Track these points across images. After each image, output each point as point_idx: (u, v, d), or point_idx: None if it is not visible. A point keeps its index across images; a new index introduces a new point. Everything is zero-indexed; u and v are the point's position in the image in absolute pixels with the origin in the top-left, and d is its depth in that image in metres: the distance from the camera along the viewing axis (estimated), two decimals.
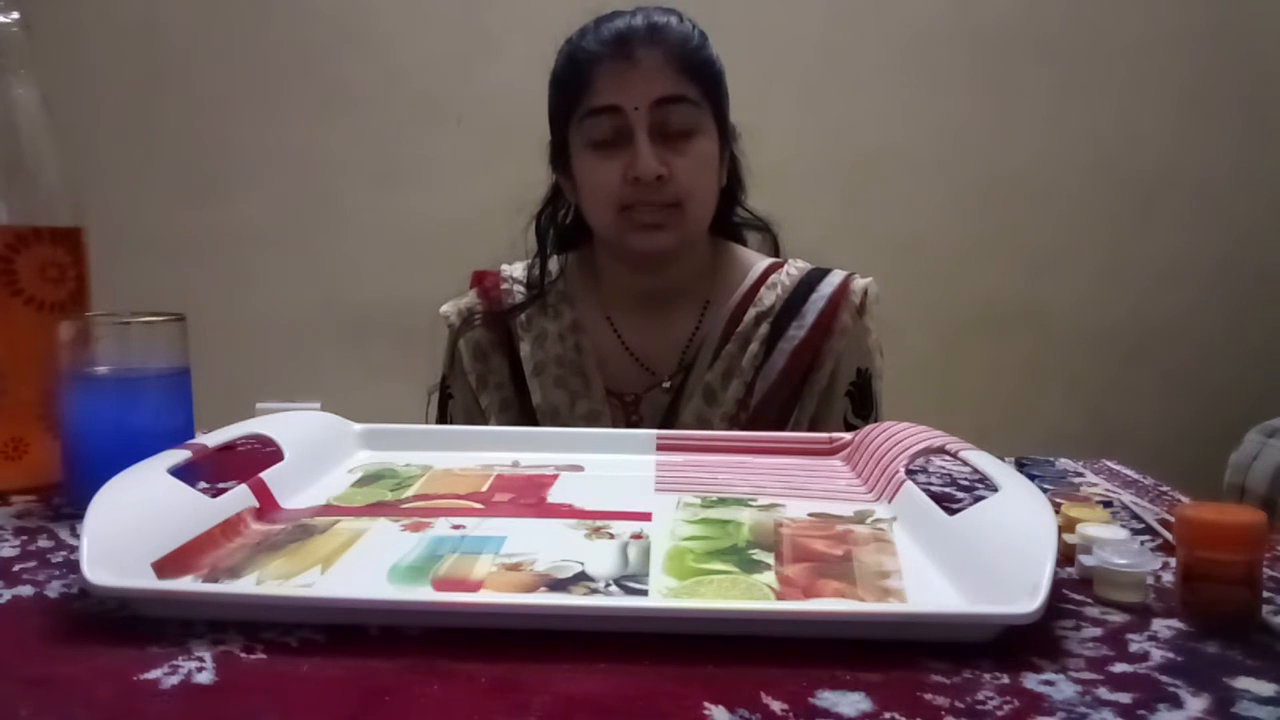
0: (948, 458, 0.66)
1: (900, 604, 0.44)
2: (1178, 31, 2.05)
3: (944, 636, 0.40)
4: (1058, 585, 0.44)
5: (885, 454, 0.64)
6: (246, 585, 0.45)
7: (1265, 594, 0.45)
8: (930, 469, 0.74)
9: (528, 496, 0.61)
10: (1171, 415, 2.09)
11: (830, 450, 0.73)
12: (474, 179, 2.01)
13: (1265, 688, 0.37)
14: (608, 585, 0.45)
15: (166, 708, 0.35)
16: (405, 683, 0.37)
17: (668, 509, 0.58)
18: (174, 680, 0.37)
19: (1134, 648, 0.41)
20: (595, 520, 0.56)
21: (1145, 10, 2.05)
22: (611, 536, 0.53)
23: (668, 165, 0.90)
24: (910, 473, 0.61)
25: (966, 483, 0.69)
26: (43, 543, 0.55)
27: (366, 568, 0.48)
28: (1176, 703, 0.36)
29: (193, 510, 0.51)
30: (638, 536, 0.53)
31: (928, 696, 0.36)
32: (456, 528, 0.54)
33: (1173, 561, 0.46)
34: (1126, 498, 0.65)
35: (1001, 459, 0.59)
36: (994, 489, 0.52)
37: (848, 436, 0.73)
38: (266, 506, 0.57)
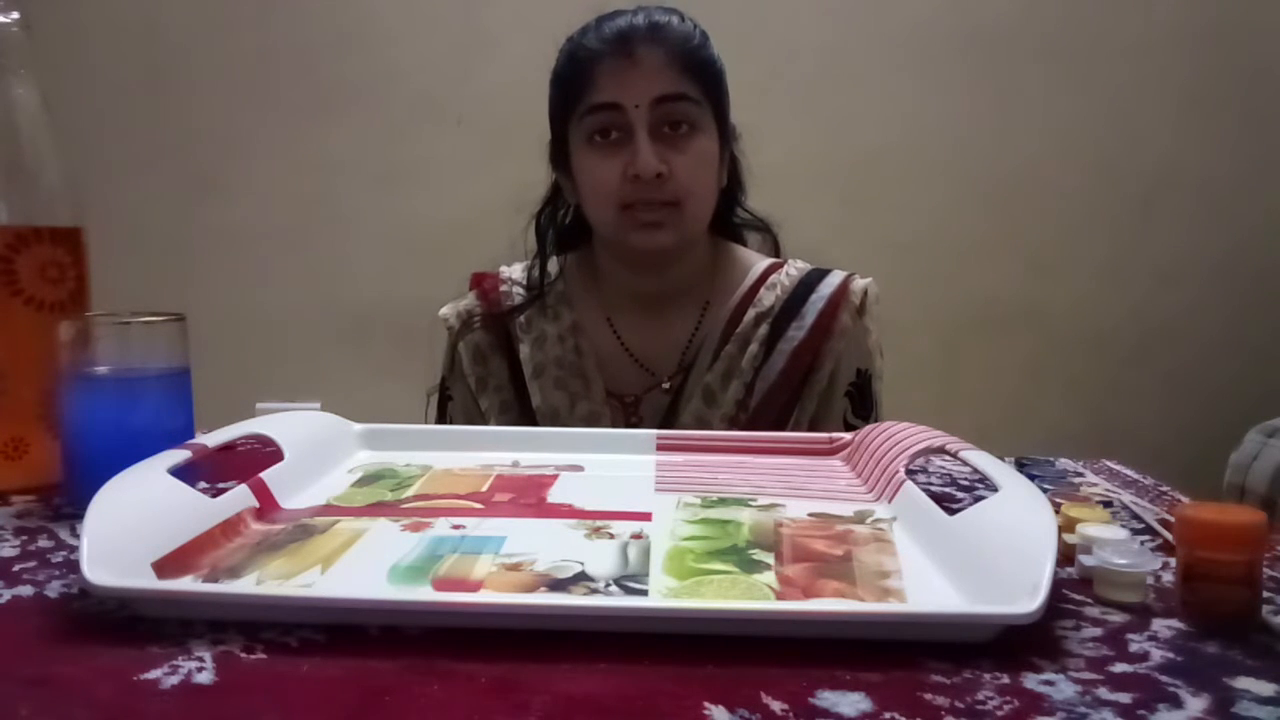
0: (948, 458, 0.66)
1: (900, 604, 0.44)
2: (1178, 31, 2.05)
3: (944, 636, 0.40)
4: (1058, 585, 0.44)
5: (885, 454, 0.64)
6: (246, 585, 0.45)
7: (1265, 594, 0.45)
8: (930, 469, 0.74)
9: (528, 496, 0.61)
10: (1171, 415, 2.09)
11: (830, 450, 0.73)
12: (474, 179, 2.00)
13: (1265, 688, 0.37)
14: (608, 585, 0.45)
15: (166, 708, 0.35)
16: (405, 683, 0.37)
17: (668, 509, 0.58)
18: (174, 680, 0.37)
19: (1134, 648, 0.41)
20: (595, 520, 0.56)
21: (1145, 10, 2.05)
22: (611, 536, 0.53)
23: (668, 163, 0.90)
24: (910, 473, 0.60)
25: (966, 483, 0.69)
26: (43, 543, 0.55)
27: (366, 568, 0.48)
28: (1176, 703, 0.36)
29: (193, 510, 0.51)
30: (638, 536, 0.53)
31: (928, 696, 0.36)
32: (456, 528, 0.54)
33: (1173, 561, 0.46)
34: (1126, 498, 0.65)
35: (1001, 459, 0.59)
36: (994, 489, 0.52)
37: (848, 436, 0.73)
38: (266, 506, 0.57)
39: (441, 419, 1.05)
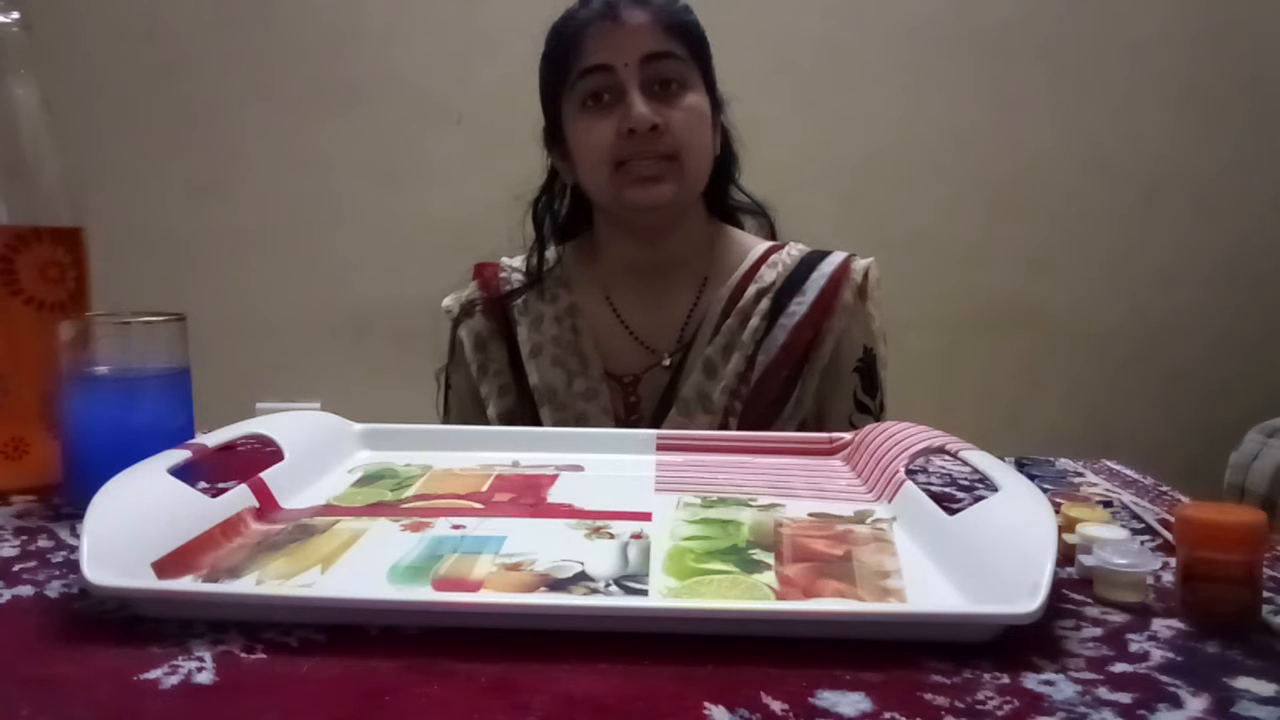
0: (948, 458, 0.66)
1: (900, 604, 0.44)
2: (1178, 31, 2.05)
3: (944, 636, 0.40)
4: (1058, 585, 0.44)
5: (885, 454, 0.64)
6: (246, 585, 0.45)
7: (1265, 594, 0.45)
8: (930, 469, 0.74)
9: (528, 496, 0.61)
10: (1172, 415, 2.09)
11: (830, 450, 0.73)
12: (474, 178, 2.00)
13: (1265, 688, 0.37)
14: (608, 585, 0.45)
15: (166, 708, 0.35)
16: (405, 683, 0.37)
17: (668, 509, 0.58)
18: (174, 680, 0.37)
19: (1134, 648, 0.41)
20: (595, 520, 0.56)
21: (1145, 10, 2.05)
22: (611, 536, 0.53)
23: (662, 117, 0.91)
24: (910, 473, 0.61)
25: (966, 483, 0.69)
26: (43, 543, 0.55)
27: (366, 568, 0.48)
28: (1176, 703, 0.36)
29: (193, 510, 0.51)
30: (638, 536, 0.53)
31: (928, 696, 0.36)
32: (456, 528, 0.54)
33: (1173, 561, 0.46)
34: (1126, 498, 0.65)
35: (1001, 459, 0.59)
36: (994, 489, 0.52)
37: (848, 436, 0.73)
38: (266, 506, 0.57)
39: (444, 406, 1.06)
